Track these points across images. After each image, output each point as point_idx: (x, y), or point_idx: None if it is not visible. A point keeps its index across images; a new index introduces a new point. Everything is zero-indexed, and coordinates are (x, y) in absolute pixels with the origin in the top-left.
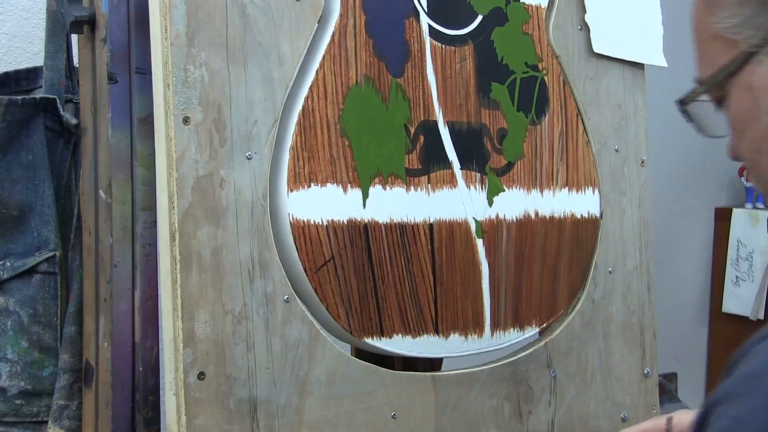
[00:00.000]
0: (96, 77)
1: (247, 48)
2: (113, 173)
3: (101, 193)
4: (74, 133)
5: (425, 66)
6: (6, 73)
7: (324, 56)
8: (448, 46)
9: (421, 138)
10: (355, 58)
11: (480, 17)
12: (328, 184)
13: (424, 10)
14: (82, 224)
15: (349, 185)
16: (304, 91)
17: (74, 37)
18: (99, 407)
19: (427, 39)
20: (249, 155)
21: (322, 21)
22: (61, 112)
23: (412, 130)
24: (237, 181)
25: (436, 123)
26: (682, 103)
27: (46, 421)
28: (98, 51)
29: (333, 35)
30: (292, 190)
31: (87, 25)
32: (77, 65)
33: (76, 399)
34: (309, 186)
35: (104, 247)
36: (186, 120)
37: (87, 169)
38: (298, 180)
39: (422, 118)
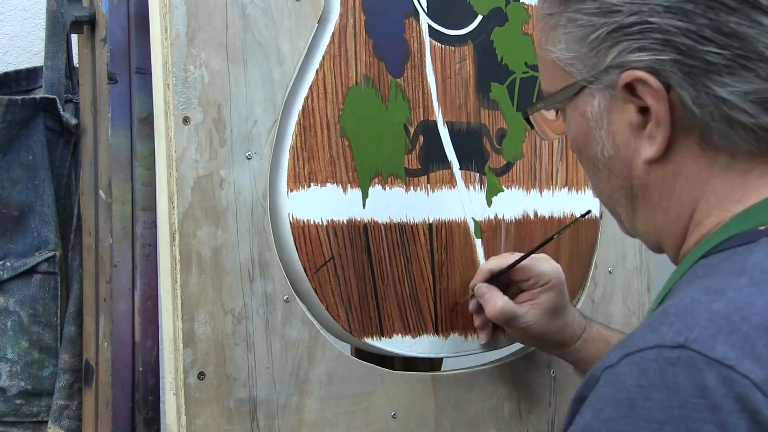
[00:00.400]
0: (96, 77)
1: (247, 48)
2: (113, 173)
3: (101, 193)
4: (74, 133)
5: (425, 66)
6: (6, 73)
7: (324, 56)
8: (447, 46)
9: (421, 138)
10: (355, 59)
11: (480, 17)
12: (328, 184)
13: (424, 10)
14: (82, 224)
15: (348, 185)
16: (304, 91)
17: (74, 37)
18: (99, 407)
19: (427, 39)
20: (249, 155)
21: (322, 21)
22: (61, 112)
23: (412, 130)
24: (237, 181)
25: (435, 123)
26: (526, 113)
27: (46, 421)
28: (98, 51)
29: (333, 35)
30: (292, 190)
31: (87, 25)
32: (77, 65)
33: (76, 399)
34: (309, 186)
35: (104, 247)
36: (186, 120)
37: (87, 169)
38: (298, 180)
39: (422, 119)
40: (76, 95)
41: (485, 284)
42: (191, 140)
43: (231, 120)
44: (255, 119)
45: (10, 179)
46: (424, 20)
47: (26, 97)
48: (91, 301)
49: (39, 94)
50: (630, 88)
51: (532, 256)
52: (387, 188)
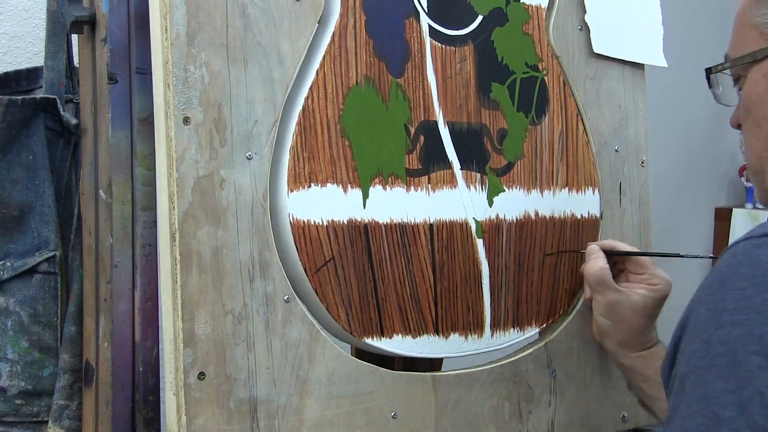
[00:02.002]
0: (96, 77)
1: (248, 48)
2: (113, 173)
3: (101, 193)
4: (74, 133)
5: (425, 66)
6: (6, 73)
7: (324, 56)
8: (448, 47)
9: (421, 138)
10: (356, 59)
11: (480, 17)
12: (329, 185)
13: (424, 10)
14: (82, 224)
15: (349, 185)
16: (305, 91)
17: (74, 37)
18: (99, 407)
19: (427, 39)
20: (249, 155)
21: (323, 21)
22: (62, 112)
23: (412, 130)
24: (237, 182)
25: (436, 123)
26: (709, 71)
27: (47, 421)
28: (98, 51)
29: (333, 35)
30: (292, 191)
31: (87, 25)
32: (77, 65)
33: (76, 399)
34: (309, 186)
35: (104, 247)
36: (186, 120)
37: (87, 169)
38: (298, 180)
39: (422, 119)
40: (76, 95)
41: (597, 247)
42: (191, 140)
43: (231, 120)
44: (255, 119)
45: (11, 179)
46: (425, 20)
47: (26, 97)
48: (91, 301)
49: (39, 94)
50: None
51: (650, 259)
52: (388, 188)
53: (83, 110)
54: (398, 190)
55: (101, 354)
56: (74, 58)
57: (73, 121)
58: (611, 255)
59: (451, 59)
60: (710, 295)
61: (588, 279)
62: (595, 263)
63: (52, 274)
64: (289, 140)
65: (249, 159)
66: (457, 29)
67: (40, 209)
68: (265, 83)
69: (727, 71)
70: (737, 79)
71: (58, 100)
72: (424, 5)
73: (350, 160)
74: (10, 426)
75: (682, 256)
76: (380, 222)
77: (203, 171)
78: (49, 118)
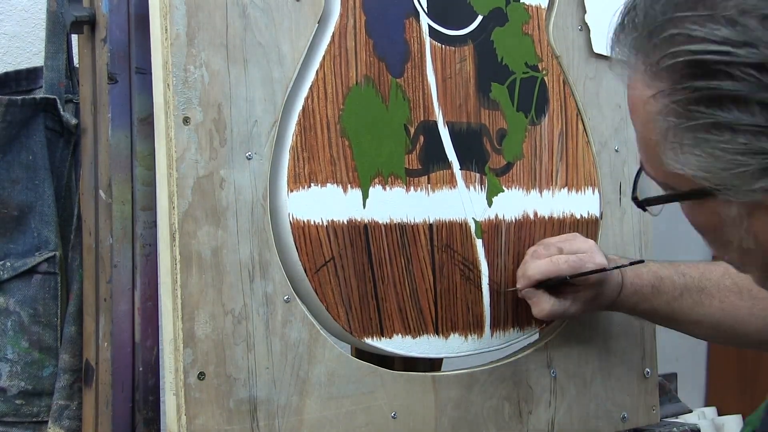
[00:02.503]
0: (96, 77)
1: (248, 48)
2: (113, 173)
3: (101, 193)
4: (74, 133)
5: (425, 66)
6: (6, 74)
7: (324, 56)
8: (448, 47)
9: (421, 138)
10: (356, 59)
11: (480, 17)
12: (328, 185)
13: (424, 11)
14: (82, 224)
15: (349, 185)
16: (304, 91)
17: (74, 37)
18: (99, 407)
19: (427, 39)
20: (249, 155)
21: (322, 21)
22: (61, 112)
23: (412, 130)
24: (237, 182)
25: (435, 123)
26: (644, 204)
27: (46, 421)
28: (98, 51)
29: (333, 35)
30: (292, 191)
31: (87, 25)
32: (77, 65)
33: (76, 399)
34: (309, 186)
35: (104, 247)
36: (186, 120)
37: (87, 169)
38: (298, 180)
39: (422, 119)
40: (76, 95)
41: (532, 289)
42: (191, 140)
43: (231, 120)
44: (255, 119)
45: (10, 179)
46: (425, 20)
47: (26, 97)
48: (91, 301)
49: (39, 94)
50: None
51: (579, 252)
52: (387, 188)
53: (83, 110)
54: (398, 190)
55: (101, 354)
56: (74, 58)
57: (73, 121)
58: (547, 284)
59: (451, 59)
60: None
61: (543, 320)
62: (540, 309)
63: (52, 274)
64: (289, 140)
65: (249, 159)
66: (457, 29)
67: (39, 209)
68: (265, 83)
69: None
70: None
71: (57, 100)
72: (424, 5)
73: (350, 160)
74: (10, 426)
75: (611, 269)
76: (380, 222)
77: (203, 171)
78: (49, 118)
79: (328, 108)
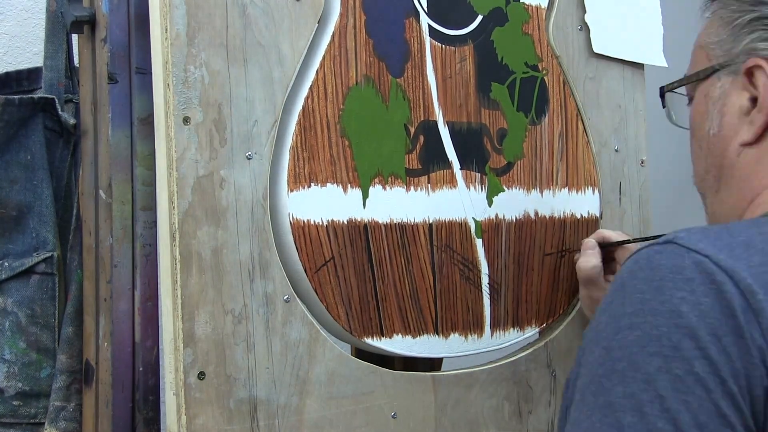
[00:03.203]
0: (96, 77)
1: (247, 48)
2: (113, 173)
3: (101, 193)
4: (73, 133)
5: (425, 66)
6: (7, 74)
7: (324, 56)
8: (448, 46)
9: (421, 138)
10: (355, 59)
11: (480, 17)
12: (328, 184)
13: (424, 10)
14: (81, 225)
15: (349, 185)
16: (304, 91)
17: (74, 37)
18: (99, 407)
19: (427, 39)
20: (249, 155)
21: (322, 21)
22: (60, 112)
23: (412, 130)
24: (237, 181)
25: (435, 123)
26: (663, 89)
27: (44, 423)
28: (98, 51)
29: (333, 35)
30: (292, 190)
31: (87, 25)
32: (77, 65)
33: (73, 400)
34: (309, 186)
35: (104, 247)
36: (186, 120)
37: (87, 169)
38: (298, 180)
39: (422, 119)
40: (76, 95)
41: (594, 242)
42: (191, 140)
43: (231, 120)
44: (255, 119)
45: (9, 179)
46: (425, 20)
47: (24, 96)
48: (91, 301)
49: (39, 94)
50: (749, 74)
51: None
52: (387, 188)
53: (83, 110)
54: (398, 190)
55: (101, 354)
56: (74, 58)
57: (72, 121)
58: (603, 247)
59: (451, 59)
60: (611, 303)
61: (579, 274)
62: (589, 260)
63: (50, 274)
64: (289, 140)
65: (249, 159)
66: (457, 29)
67: (38, 209)
68: (265, 83)
69: (681, 90)
70: (690, 100)
71: (56, 100)
72: (424, 5)
73: (350, 159)
74: (7, 427)
75: (652, 238)
76: (380, 222)
77: (203, 171)
78: (48, 118)
79: (328, 108)
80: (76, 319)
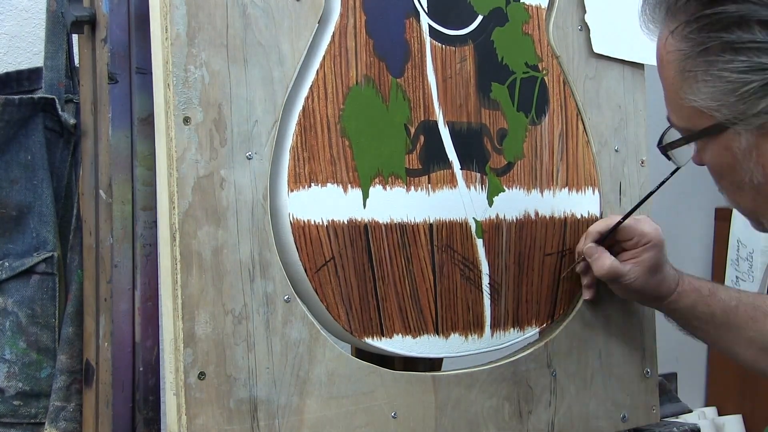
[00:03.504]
0: (96, 77)
1: (248, 48)
2: (113, 173)
3: (101, 193)
4: (74, 133)
5: (425, 66)
6: (8, 74)
7: (324, 56)
8: (448, 46)
9: (421, 138)
10: (356, 58)
11: (480, 17)
12: (329, 184)
13: (425, 10)
14: (81, 225)
15: (349, 185)
16: (305, 91)
17: (75, 37)
18: (99, 407)
19: (428, 39)
20: (249, 155)
21: (323, 21)
22: (60, 112)
23: (413, 130)
24: (237, 181)
25: (436, 123)
26: (666, 148)
27: (44, 423)
28: (98, 51)
29: (333, 35)
30: (292, 190)
31: (87, 25)
32: (78, 65)
33: (73, 400)
34: (309, 186)
35: (104, 247)
36: (186, 120)
37: (87, 169)
38: (298, 180)
39: (422, 119)
40: (76, 95)
41: (594, 245)
42: (192, 140)
43: (231, 120)
44: (255, 119)
45: (9, 179)
46: (425, 20)
47: (24, 96)
48: (91, 300)
49: (39, 94)
50: None
51: (633, 217)
52: (388, 188)
53: (83, 110)
54: (398, 190)
55: (101, 354)
56: (74, 58)
57: (72, 121)
58: (604, 238)
59: (451, 59)
60: None
61: (605, 279)
62: (603, 263)
63: (50, 274)
64: (290, 140)
65: (249, 159)
66: (457, 29)
67: (38, 209)
68: (265, 83)
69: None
70: (690, 140)
71: (56, 100)
72: (424, 5)
73: (350, 159)
74: (8, 427)
75: (651, 193)
76: (380, 222)
77: (203, 171)
78: (48, 118)
79: (328, 108)
80: (76, 319)
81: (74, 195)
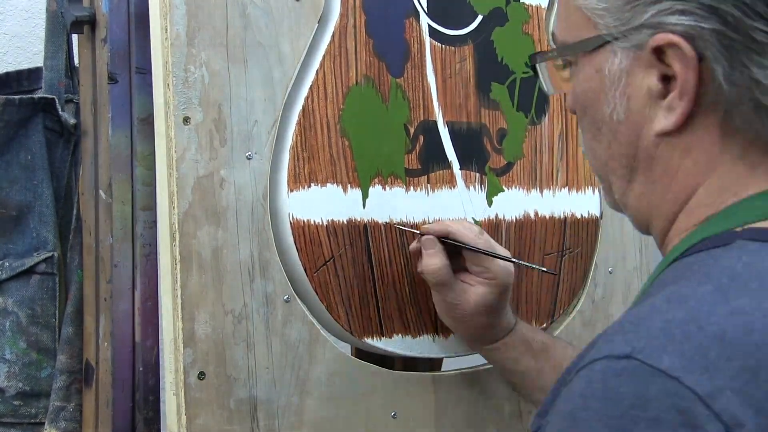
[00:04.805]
0: (96, 77)
1: (248, 48)
2: (113, 173)
3: (101, 193)
4: (74, 133)
5: (425, 66)
6: (7, 74)
7: (324, 56)
8: (448, 46)
9: (421, 138)
10: (356, 58)
11: (480, 17)
12: (328, 184)
13: (424, 10)
14: (81, 225)
15: (349, 185)
16: (304, 91)
17: (74, 37)
18: (99, 407)
19: (427, 39)
20: (249, 155)
21: (322, 21)
22: (60, 112)
23: (412, 130)
24: (237, 181)
25: (435, 123)
26: (536, 59)
27: (45, 423)
28: (98, 51)
29: (333, 35)
30: (292, 190)
31: (87, 25)
32: (78, 65)
33: (73, 400)
34: (309, 186)
35: (104, 247)
36: (186, 120)
37: (87, 169)
38: (298, 180)
39: (422, 119)
40: (76, 95)
41: (436, 239)
42: (191, 140)
43: (231, 120)
44: (255, 119)
45: (9, 179)
46: (425, 20)
47: (24, 96)
48: (91, 300)
49: (39, 94)
50: (658, 51)
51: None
52: (387, 188)
53: (83, 110)
54: (398, 190)
55: (101, 354)
56: (74, 58)
57: (72, 121)
58: (445, 242)
59: (451, 59)
60: None
61: (426, 278)
62: (433, 261)
63: (51, 274)
64: (289, 140)
65: (249, 159)
66: (457, 29)
67: (38, 209)
68: (265, 83)
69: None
70: (566, 64)
71: (56, 100)
72: (424, 5)
73: (350, 160)
74: (8, 427)
75: (515, 262)
76: (380, 222)
77: (203, 171)
78: (48, 118)
79: (328, 108)
80: (77, 319)
81: (74, 195)
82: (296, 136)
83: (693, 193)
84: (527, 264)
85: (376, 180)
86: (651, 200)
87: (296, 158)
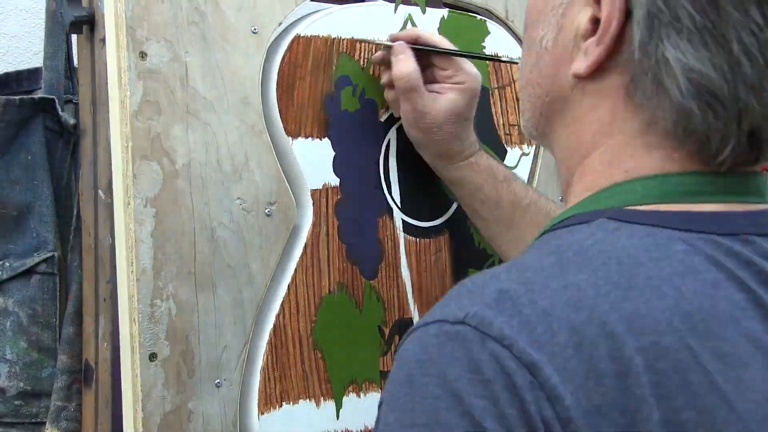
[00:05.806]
0: (95, 77)
1: (216, 273)
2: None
3: (101, 193)
4: (73, 133)
5: (399, 264)
6: (7, 74)
7: (296, 269)
8: (422, 239)
9: (396, 338)
10: (328, 267)
11: (455, 205)
12: (300, 401)
13: (398, 206)
14: (81, 225)
15: (321, 398)
16: (275, 308)
17: (74, 37)
18: (99, 407)
19: (401, 235)
20: (218, 383)
21: (294, 232)
22: (60, 113)
23: (387, 331)
24: (205, 412)
25: (412, 321)
26: None
27: (45, 422)
28: (98, 51)
29: (306, 246)
30: (263, 413)
31: (86, 25)
32: (77, 65)
33: (74, 400)
34: (280, 406)
35: (104, 247)
36: (152, 356)
37: (86, 169)
38: (269, 401)
39: (397, 317)
40: (76, 95)
41: (405, 45)
42: (158, 377)
43: (200, 349)
44: (224, 345)
45: (9, 179)
46: (398, 216)
47: (24, 97)
48: (90, 301)
49: (39, 94)
50: None
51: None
52: (362, 395)
53: (83, 110)
54: (373, 395)
55: (101, 354)
56: (74, 58)
57: (71, 121)
58: (416, 49)
59: (426, 251)
60: (397, 400)
61: (397, 84)
62: (405, 66)
63: (51, 274)
64: (260, 361)
65: (218, 386)
66: (432, 220)
67: (39, 209)
68: (234, 305)
69: None
70: None
71: (56, 100)
72: (398, 201)
73: (323, 372)
74: (9, 427)
75: (485, 58)
76: (354, 431)
77: (170, 406)
78: (48, 119)
79: (300, 322)
80: (77, 319)
81: (74, 195)
82: (267, 356)
83: (590, 153)
84: (497, 59)
85: (351, 388)
86: (561, 142)
87: (267, 379)
